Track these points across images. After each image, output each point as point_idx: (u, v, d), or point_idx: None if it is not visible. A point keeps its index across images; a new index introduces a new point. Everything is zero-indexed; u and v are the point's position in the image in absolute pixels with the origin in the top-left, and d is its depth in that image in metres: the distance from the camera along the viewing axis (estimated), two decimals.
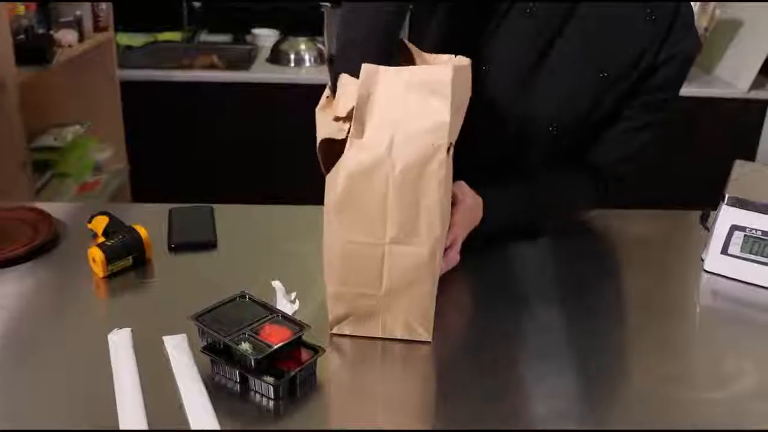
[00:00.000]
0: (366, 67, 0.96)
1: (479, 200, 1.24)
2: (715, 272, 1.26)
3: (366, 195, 0.97)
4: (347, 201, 0.98)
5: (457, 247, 1.20)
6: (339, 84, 1.03)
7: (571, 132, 1.34)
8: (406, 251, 0.99)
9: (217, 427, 0.87)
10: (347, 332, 1.05)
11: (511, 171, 1.36)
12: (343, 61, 1.13)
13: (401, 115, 0.96)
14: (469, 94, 1.06)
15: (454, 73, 0.95)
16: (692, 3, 2.84)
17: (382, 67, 0.97)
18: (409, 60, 1.18)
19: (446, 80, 0.95)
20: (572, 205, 1.41)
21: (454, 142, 1.02)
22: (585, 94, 1.30)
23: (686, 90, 2.96)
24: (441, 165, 0.96)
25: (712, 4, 2.91)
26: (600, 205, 1.42)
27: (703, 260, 1.29)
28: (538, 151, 1.37)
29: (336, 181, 0.98)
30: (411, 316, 1.04)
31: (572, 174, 1.37)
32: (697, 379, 1.03)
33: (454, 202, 1.19)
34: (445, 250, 1.17)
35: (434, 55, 1.15)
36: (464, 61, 1.08)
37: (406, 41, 1.20)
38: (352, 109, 0.97)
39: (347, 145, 0.97)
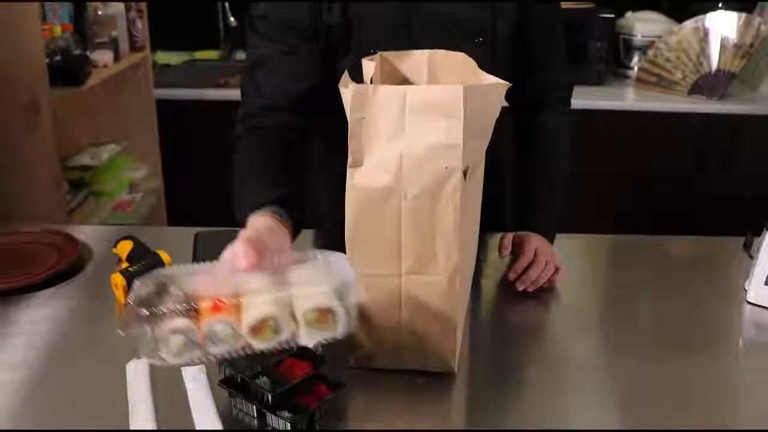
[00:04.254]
0: (355, 90, 0.91)
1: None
2: (760, 304, 1.20)
3: (377, 225, 0.93)
4: (357, 233, 0.94)
5: (555, 260, 1.24)
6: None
7: None
8: (424, 281, 0.95)
9: None
10: (369, 365, 1.01)
11: None
12: None
13: (406, 138, 0.91)
14: (495, 113, 1.00)
15: (467, 93, 0.89)
16: (736, 18, 2.78)
17: (374, 87, 0.91)
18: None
19: (457, 99, 0.89)
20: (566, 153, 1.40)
21: (475, 165, 0.98)
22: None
23: (730, 107, 2.89)
24: (456, 189, 0.91)
25: (757, 19, 2.82)
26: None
27: (746, 290, 1.22)
28: None
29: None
30: (434, 347, 0.99)
31: (551, 132, 1.38)
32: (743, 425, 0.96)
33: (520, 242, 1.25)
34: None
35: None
36: (488, 79, 1.02)
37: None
38: None
39: (348, 175, 0.93)
